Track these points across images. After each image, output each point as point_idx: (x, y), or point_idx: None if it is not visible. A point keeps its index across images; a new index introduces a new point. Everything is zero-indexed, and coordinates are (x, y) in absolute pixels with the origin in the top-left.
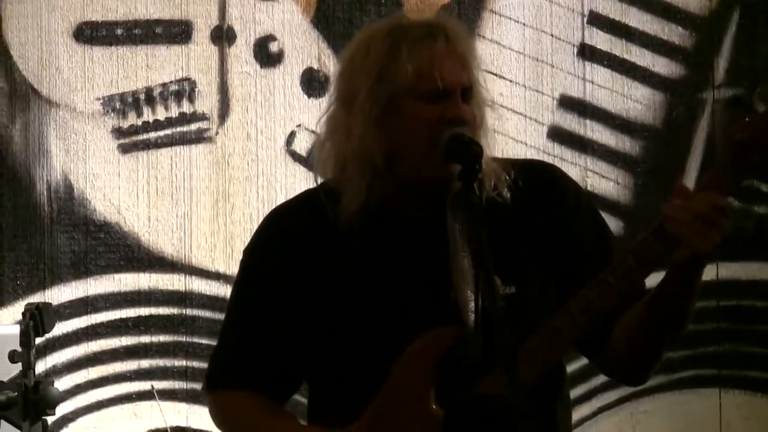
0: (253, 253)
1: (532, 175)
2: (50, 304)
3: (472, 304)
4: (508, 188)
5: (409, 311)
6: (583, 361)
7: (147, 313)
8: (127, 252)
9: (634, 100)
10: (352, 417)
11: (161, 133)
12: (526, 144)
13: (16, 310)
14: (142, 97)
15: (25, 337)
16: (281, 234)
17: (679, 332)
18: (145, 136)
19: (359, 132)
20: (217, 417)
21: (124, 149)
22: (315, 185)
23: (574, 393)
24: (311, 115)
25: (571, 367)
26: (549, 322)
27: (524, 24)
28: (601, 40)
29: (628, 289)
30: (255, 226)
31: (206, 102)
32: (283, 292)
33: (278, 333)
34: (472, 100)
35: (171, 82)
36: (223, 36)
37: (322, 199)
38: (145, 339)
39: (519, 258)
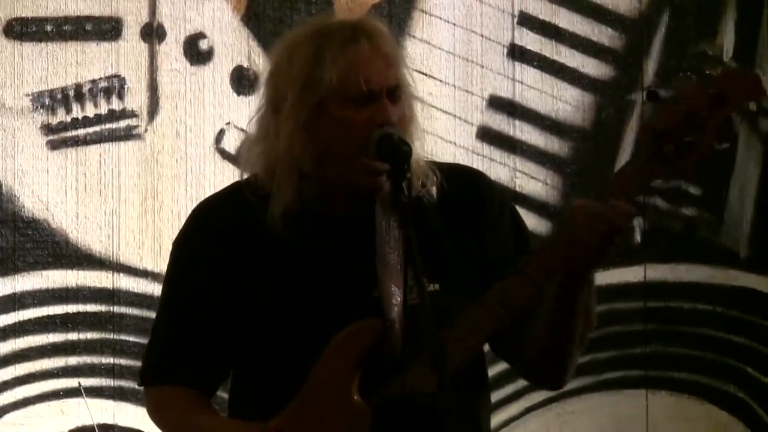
0: (181, 246)
1: (460, 179)
2: None
3: (395, 300)
4: (435, 189)
5: (333, 306)
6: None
7: (75, 310)
8: (55, 249)
9: (564, 101)
10: (274, 411)
11: (90, 130)
12: (455, 144)
13: None
14: (72, 93)
15: None
16: (209, 227)
17: (586, 329)
18: (74, 133)
19: (287, 137)
20: (153, 412)
21: (53, 146)
22: (241, 179)
23: (503, 393)
24: (241, 113)
25: (499, 368)
26: (464, 314)
27: (454, 24)
28: (530, 41)
29: (546, 281)
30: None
31: (135, 99)
32: (211, 285)
33: (207, 325)
34: (400, 100)
35: (100, 78)
36: (153, 33)
37: (248, 195)
38: (72, 336)
39: (444, 257)
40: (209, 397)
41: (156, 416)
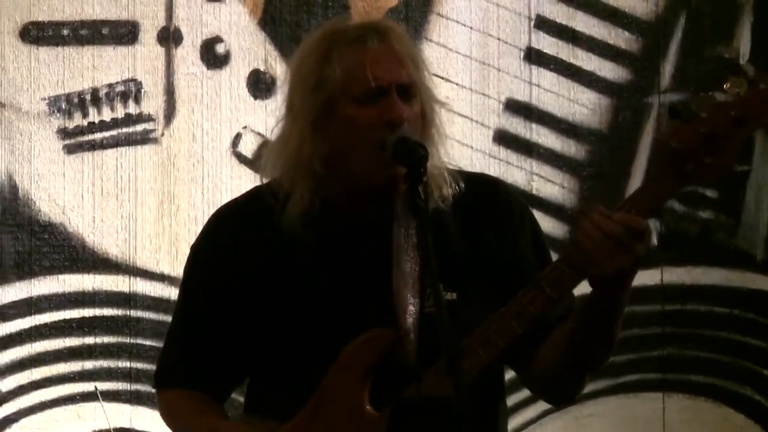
0: (199, 250)
1: (478, 187)
2: None
3: (411, 309)
4: (453, 197)
5: (349, 313)
6: None
7: (91, 314)
8: (71, 253)
9: (580, 104)
10: (287, 416)
11: (107, 134)
12: (471, 147)
13: None
14: (88, 97)
15: None
16: (227, 232)
17: (606, 353)
18: (90, 137)
19: (298, 138)
20: (164, 415)
21: (70, 150)
22: (261, 184)
23: (521, 396)
24: (257, 117)
25: None
26: (482, 326)
27: (471, 27)
28: (547, 44)
29: (560, 296)
30: (200, 228)
31: (152, 103)
32: (227, 290)
33: (221, 329)
34: (415, 99)
35: (117, 82)
36: (169, 37)
37: (267, 199)
38: (89, 340)
39: (462, 266)
40: (222, 402)
41: (167, 419)
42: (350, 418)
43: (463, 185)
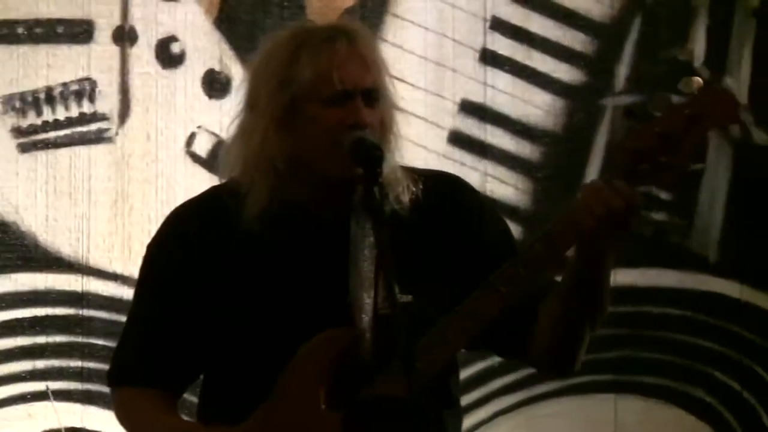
0: (155, 249)
1: (439, 186)
2: None
3: (367, 308)
4: (411, 198)
5: (305, 312)
6: (481, 365)
7: (43, 314)
8: (24, 252)
9: (535, 106)
10: (242, 416)
11: (61, 133)
12: (426, 148)
13: None
14: (43, 96)
15: None
16: (184, 231)
17: (598, 315)
18: (44, 136)
19: (261, 136)
20: (119, 413)
21: (24, 148)
22: (219, 183)
23: (472, 397)
24: (212, 116)
25: (469, 371)
26: (436, 327)
27: (426, 28)
28: (502, 46)
29: (518, 296)
30: (154, 228)
31: (107, 102)
32: (182, 288)
33: (176, 327)
34: (378, 103)
35: (72, 81)
36: (124, 36)
37: (225, 198)
38: (40, 339)
39: (418, 268)
40: (176, 399)
41: (121, 417)
42: (306, 417)
43: (422, 185)
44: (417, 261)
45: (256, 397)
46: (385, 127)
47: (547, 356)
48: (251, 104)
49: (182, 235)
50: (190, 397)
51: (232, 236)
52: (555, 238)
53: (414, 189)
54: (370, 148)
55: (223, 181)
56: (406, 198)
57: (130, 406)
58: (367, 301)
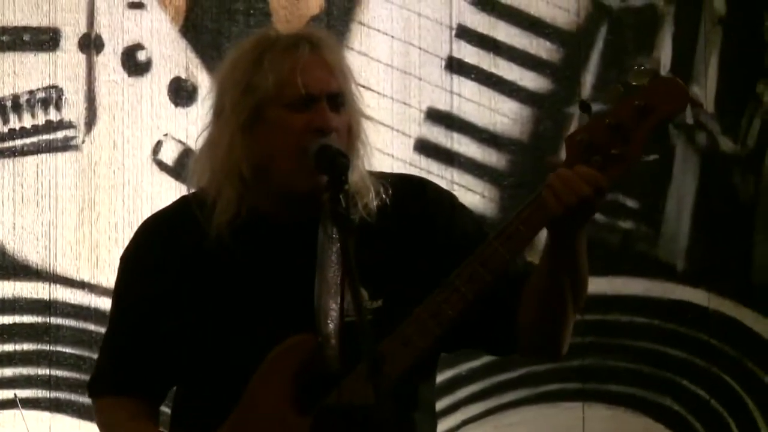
0: (127, 260)
1: (405, 189)
2: None
3: (333, 314)
4: (379, 203)
5: (273, 320)
6: (448, 373)
7: (11, 321)
8: None
9: (502, 114)
10: (213, 424)
11: (27, 141)
12: (392, 156)
13: None
14: (9, 104)
15: None
16: (154, 241)
17: (579, 293)
18: (11, 144)
19: (227, 143)
20: (100, 424)
21: None
22: (188, 193)
23: (440, 405)
24: (178, 124)
25: (437, 379)
26: (399, 329)
27: (392, 36)
28: (468, 54)
29: (475, 296)
30: (120, 235)
31: (73, 110)
32: (155, 298)
33: (151, 336)
34: (343, 109)
35: (38, 89)
36: (91, 44)
37: (194, 208)
38: (8, 347)
39: (388, 272)
40: (156, 407)
41: (100, 426)
42: (274, 424)
43: (390, 189)
44: (387, 265)
45: (226, 406)
46: (352, 134)
47: (533, 341)
48: (217, 113)
49: (152, 246)
50: (165, 409)
51: (200, 246)
52: (512, 234)
53: (383, 195)
54: (336, 155)
55: (192, 191)
56: (374, 205)
57: (108, 414)
58: (333, 306)
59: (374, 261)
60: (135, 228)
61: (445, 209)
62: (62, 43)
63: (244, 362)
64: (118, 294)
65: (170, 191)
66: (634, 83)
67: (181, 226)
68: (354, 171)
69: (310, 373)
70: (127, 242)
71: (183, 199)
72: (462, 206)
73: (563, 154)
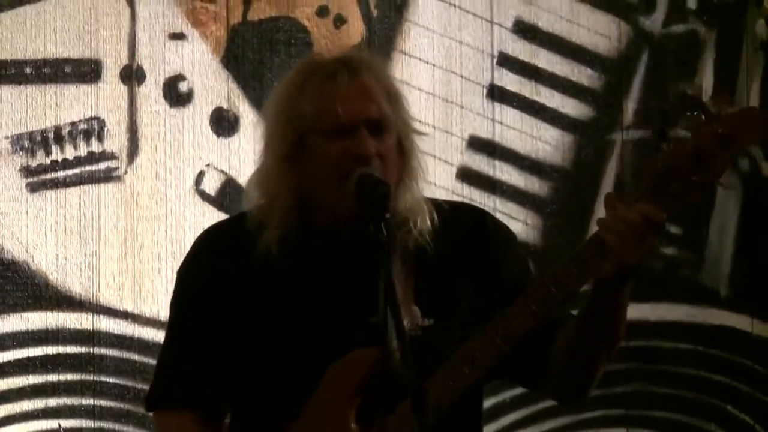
0: (183, 273)
1: (463, 217)
2: None
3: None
4: (437, 225)
5: (331, 334)
6: (492, 400)
7: (54, 352)
8: (34, 290)
9: (543, 141)
10: None
11: (70, 172)
12: (435, 185)
13: None
14: (51, 135)
15: None
16: (211, 254)
17: (614, 346)
18: (53, 175)
19: (272, 171)
20: None
21: (33, 188)
22: (246, 210)
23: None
24: (220, 154)
25: (486, 403)
26: (464, 345)
27: (434, 65)
28: (510, 81)
29: (547, 315)
30: (163, 265)
31: (115, 141)
32: (213, 311)
33: (209, 350)
34: (387, 133)
35: (80, 121)
36: (132, 75)
37: (250, 224)
38: (52, 378)
39: (440, 293)
40: (220, 420)
41: None
42: None
43: (450, 215)
44: (440, 287)
45: (288, 418)
46: (404, 154)
47: (560, 383)
48: (266, 141)
49: (209, 259)
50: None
51: (256, 260)
52: (584, 258)
53: (435, 218)
54: (375, 185)
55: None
56: (428, 225)
57: (168, 429)
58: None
59: (428, 281)
60: (178, 258)
61: (501, 243)
62: (104, 74)
63: (305, 374)
64: (176, 306)
65: (213, 221)
66: (714, 111)
67: (235, 240)
68: (407, 192)
69: (374, 387)
70: (169, 273)
71: (241, 214)
72: (518, 246)
73: (606, 183)
